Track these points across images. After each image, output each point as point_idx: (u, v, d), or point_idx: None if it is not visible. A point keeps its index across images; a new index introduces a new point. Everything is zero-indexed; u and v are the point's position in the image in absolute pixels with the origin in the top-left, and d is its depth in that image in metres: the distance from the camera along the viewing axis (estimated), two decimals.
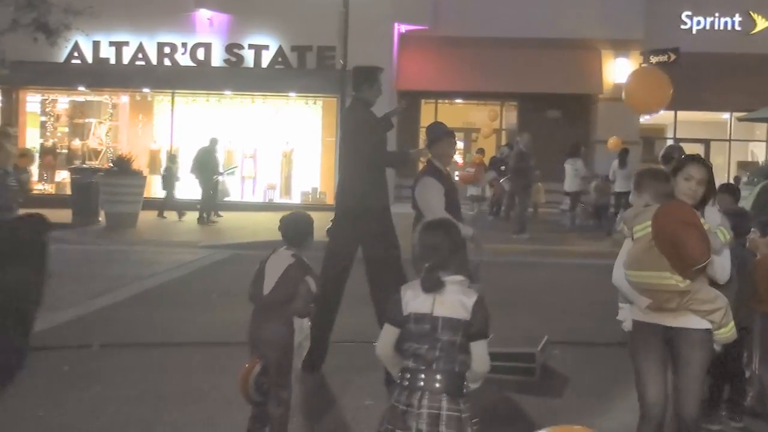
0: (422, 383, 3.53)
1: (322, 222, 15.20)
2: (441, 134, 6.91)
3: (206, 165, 18.78)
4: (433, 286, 3.58)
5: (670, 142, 21.65)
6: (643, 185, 4.44)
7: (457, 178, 21.97)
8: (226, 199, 21.64)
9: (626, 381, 6.65)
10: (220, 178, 19.99)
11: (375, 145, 6.73)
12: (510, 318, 9.07)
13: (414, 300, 3.62)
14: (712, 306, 4.23)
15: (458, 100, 25.16)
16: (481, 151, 22.29)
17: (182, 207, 19.13)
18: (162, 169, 20.60)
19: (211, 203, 19.06)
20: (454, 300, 3.57)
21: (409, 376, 3.56)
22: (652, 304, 4.30)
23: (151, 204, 19.68)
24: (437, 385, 3.53)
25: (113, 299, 9.94)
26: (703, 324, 4.26)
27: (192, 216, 18.58)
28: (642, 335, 4.41)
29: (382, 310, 6.65)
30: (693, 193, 4.35)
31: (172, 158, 20.55)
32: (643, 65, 22.65)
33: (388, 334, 3.69)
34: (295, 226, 5.02)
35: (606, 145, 18.81)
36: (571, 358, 7.43)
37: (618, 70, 22.93)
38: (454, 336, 3.54)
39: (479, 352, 3.62)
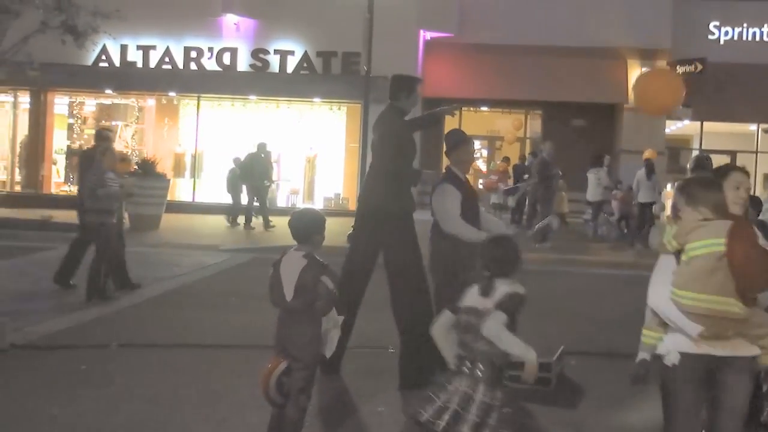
0: (466, 369, 4.10)
1: (344, 227, 15.27)
2: (459, 141, 6.89)
3: (251, 171, 18.53)
4: (487, 291, 4.23)
5: (695, 153, 21.48)
6: (698, 197, 3.96)
7: (481, 186, 21.99)
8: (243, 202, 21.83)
9: (643, 394, 6.60)
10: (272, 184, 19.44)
11: (397, 160, 6.66)
12: (529, 327, 9.01)
13: (470, 296, 4.26)
14: (764, 330, 3.89)
15: (483, 108, 25.10)
16: (506, 159, 22.30)
17: (249, 212, 18.73)
18: (228, 174, 19.82)
19: (262, 210, 18.61)
20: None
21: (457, 362, 4.15)
22: (705, 331, 3.80)
23: (174, 206, 19.83)
24: (478, 372, 4.08)
25: (133, 300, 9.99)
26: (753, 350, 3.90)
27: (256, 222, 18.43)
28: (688, 370, 3.90)
29: (401, 316, 6.64)
30: (744, 201, 4.11)
31: (237, 162, 19.69)
32: None
33: (444, 317, 4.38)
34: (301, 221, 4.99)
35: (641, 154, 18.66)
36: (588, 368, 7.37)
37: None
38: None
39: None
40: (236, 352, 7.55)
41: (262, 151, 18.82)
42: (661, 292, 3.92)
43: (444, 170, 6.94)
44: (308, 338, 4.83)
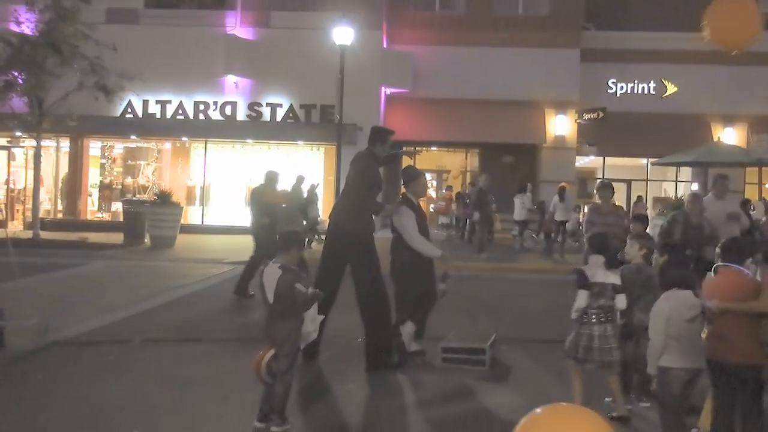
0: (603, 318, 5.21)
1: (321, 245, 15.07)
2: (415, 176, 7.03)
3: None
4: (614, 265, 5.31)
5: (599, 181, 21.74)
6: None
7: (432, 210, 22.12)
8: (242, 224, 21.67)
9: (560, 371, 6.71)
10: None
11: (367, 194, 6.67)
12: (470, 320, 9.10)
13: (595, 275, 5.22)
14: None
15: (433, 148, 25.26)
16: (449, 188, 22.44)
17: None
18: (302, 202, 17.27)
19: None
20: (609, 274, 5.25)
21: (594, 316, 5.19)
22: None
23: (186, 229, 19.67)
24: (609, 318, 5.24)
25: (152, 304, 9.91)
26: None
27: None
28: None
29: (365, 313, 6.65)
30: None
31: (311, 190, 18.13)
32: (578, 121, 22.91)
33: (582, 296, 5.21)
34: (281, 237, 5.10)
35: (556, 183, 18.85)
36: (515, 352, 7.44)
37: (557, 124, 23.12)
38: (612, 292, 5.23)
39: (622, 299, 5.30)
40: (235, 344, 7.53)
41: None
42: None
43: (401, 196, 7.02)
44: (288, 331, 4.88)
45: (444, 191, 22.66)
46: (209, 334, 8.03)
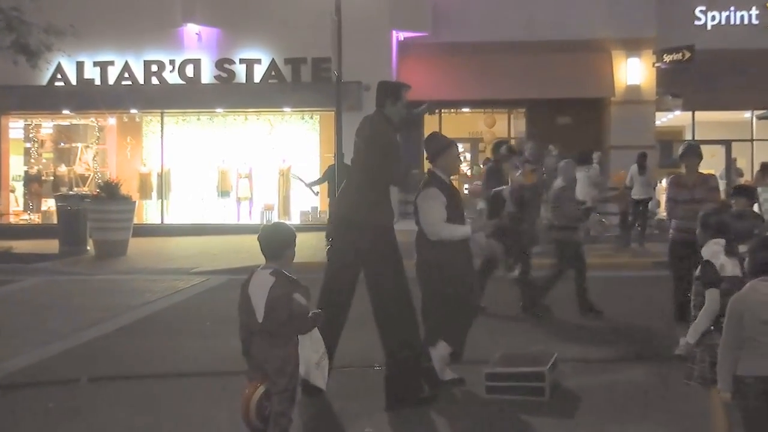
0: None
1: (323, 242, 15.12)
2: (443, 147, 6.97)
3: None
4: (734, 252, 5.29)
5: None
6: None
7: (466, 192, 22.07)
8: (215, 222, 21.90)
9: (643, 399, 6.69)
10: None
11: (382, 169, 6.58)
12: (521, 336, 9.10)
13: (724, 266, 5.19)
14: None
15: (464, 109, 25.21)
16: (488, 161, 22.28)
17: None
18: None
19: None
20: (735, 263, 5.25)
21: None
22: None
23: (142, 230, 19.79)
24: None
25: (103, 330, 9.98)
26: None
27: None
28: None
29: (386, 333, 6.65)
30: None
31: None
32: (657, 66, 22.78)
33: (714, 297, 5.12)
34: (275, 236, 5.03)
35: (631, 149, 18.78)
36: (584, 375, 7.44)
37: (630, 71, 22.99)
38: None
39: None
40: (214, 380, 7.56)
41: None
42: None
43: (427, 174, 7.00)
44: (284, 359, 4.87)
45: (481, 166, 22.59)
46: (178, 368, 8.07)
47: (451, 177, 7.13)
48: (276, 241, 5.01)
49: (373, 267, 6.64)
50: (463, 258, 6.90)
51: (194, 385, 7.49)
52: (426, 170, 7.04)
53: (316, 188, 18.73)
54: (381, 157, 6.57)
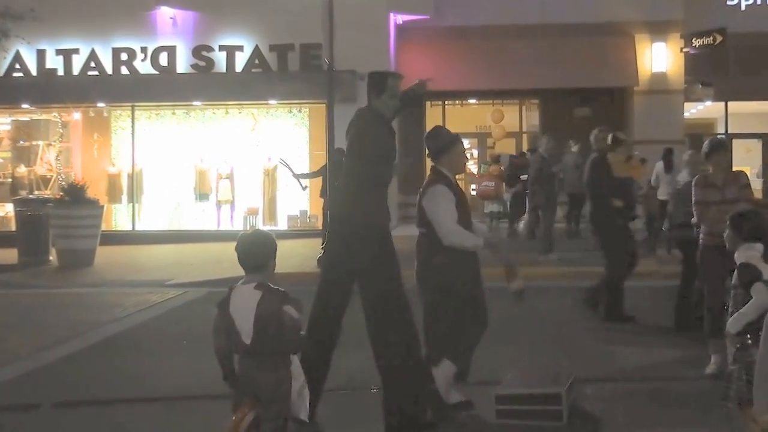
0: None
1: (314, 250, 15.19)
2: (447, 143, 6.98)
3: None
4: None
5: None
6: None
7: (474, 193, 22.10)
8: (192, 228, 21.89)
9: (672, 423, 6.70)
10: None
11: (372, 167, 6.55)
12: (537, 353, 9.11)
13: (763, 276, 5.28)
14: None
15: (470, 100, 25.26)
16: (496, 159, 22.21)
17: None
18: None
19: None
20: None
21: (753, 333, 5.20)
22: None
23: (111, 238, 19.80)
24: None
25: (67, 350, 9.95)
26: None
27: None
28: None
29: (381, 350, 6.65)
30: None
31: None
32: (685, 51, 22.82)
33: (763, 294, 5.22)
34: (255, 245, 5.02)
35: (657, 144, 18.78)
36: (605, 397, 7.45)
37: (655, 57, 23.04)
38: None
39: None
40: (192, 406, 7.56)
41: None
42: None
43: (431, 171, 7.00)
44: (276, 383, 4.87)
45: (490, 163, 22.59)
46: (151, 392, 8.05)
47: (457, 176, 7.14)
48: (258, 250, 5.01)
49: (366, 275, 6.60)
50: (470, 264, 6.91)
51: (170, 412, 7.48)
52: (431, 168, 7.04)
53: (305, 182, 18.62)
54: (367, 156, 6.56)
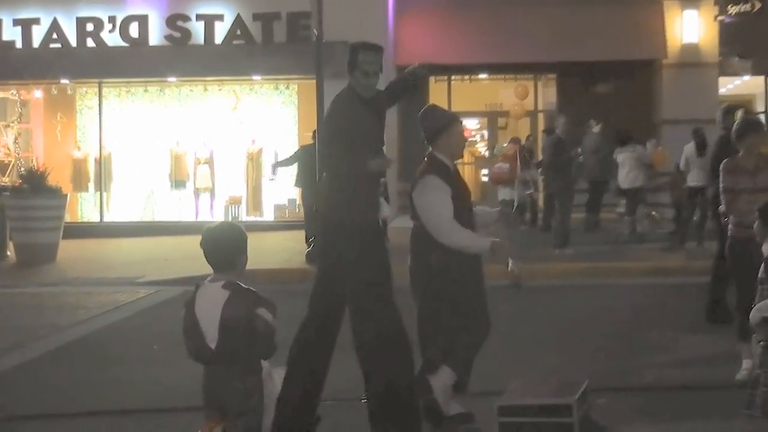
0: None
1: (303, 244, 15.20)
2: (443, 124, 6.96)
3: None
4: None
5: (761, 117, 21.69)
6: None
7: (486, 178, 22.11)
8: (167, 219, 21.92)
9: None
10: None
11: (346, 152, 6.44)
12: (548, 358, 9.12)
13: None
14: None
15: (480, 75, 25.25)
16: (515, 140, 22.15)
17: None
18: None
19: None
20: None
21: None
22: None
23: (76, 230, 19.82)
24: None
25: (23, 357, 9.96)
26: None
27: None
28: None
29: (366, 359, 6.64)
30: None
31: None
32: (719, 19, 22.80)
33: None
34: (223, 240, 5.01)
35: (688, 123, 18.78)
36: (622, 408, 7.46)
37: (686, 26, 23.02)
38: None
39: None
40: (162, 419, 7.57)
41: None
42: None
43: (426, 158, 6.98)
44: (245, 393, 4.90)
45: (504, 144, 22.56)
46: (117, 403, 8.06)
47: (457, 161, 7.14)
48: (227, 245, 5.01)
49: (351, 274, 6.55)
50: (471, 261, 6.91)
51: (137, 425, 7.50)
52: (426, 155, 7.02)
53: (275, 172, 18.58)
54: (340, 146, 6.46)
